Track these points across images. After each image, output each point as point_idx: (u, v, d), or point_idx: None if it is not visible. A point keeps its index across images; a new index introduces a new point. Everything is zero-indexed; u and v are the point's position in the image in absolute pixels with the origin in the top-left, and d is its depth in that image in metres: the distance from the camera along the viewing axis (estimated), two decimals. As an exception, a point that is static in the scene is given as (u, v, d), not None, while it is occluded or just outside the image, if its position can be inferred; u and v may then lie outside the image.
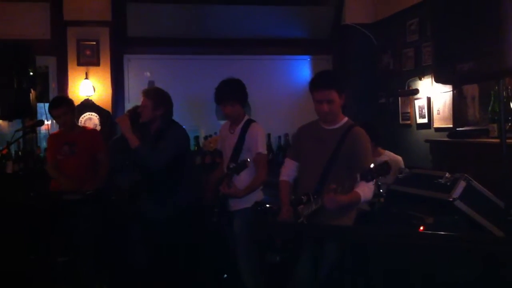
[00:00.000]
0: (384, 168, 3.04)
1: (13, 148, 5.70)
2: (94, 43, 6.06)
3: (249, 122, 4.15)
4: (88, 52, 6.03)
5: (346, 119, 3.59)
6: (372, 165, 3.09)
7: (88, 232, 4.63)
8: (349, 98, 6.51)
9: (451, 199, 3.31)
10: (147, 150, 4.09)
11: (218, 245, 4.59)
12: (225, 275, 4.66)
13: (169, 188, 4.16)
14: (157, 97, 4.22)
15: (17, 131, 4.92)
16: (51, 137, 5.01)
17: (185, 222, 4.21)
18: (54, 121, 5.34)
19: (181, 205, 4.17)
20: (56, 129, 5.55)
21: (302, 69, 6.89)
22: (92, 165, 4.84)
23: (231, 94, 4.07)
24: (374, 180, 3.22)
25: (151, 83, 6.31)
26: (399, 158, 4.69)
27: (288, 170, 3.75)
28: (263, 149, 4.07)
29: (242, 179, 4.00)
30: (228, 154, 4.16)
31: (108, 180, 4.86)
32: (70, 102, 4.90)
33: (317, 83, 3.47)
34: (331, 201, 3.19)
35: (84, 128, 5.10)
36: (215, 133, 4.90)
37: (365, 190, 3.29)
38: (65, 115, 4.77)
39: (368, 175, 3.06)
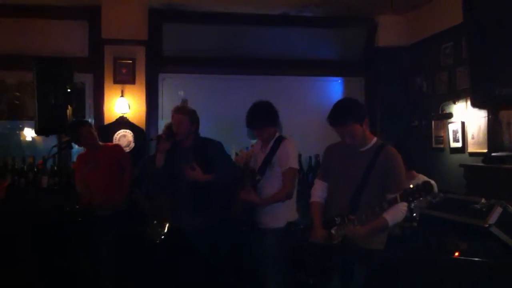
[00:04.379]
0: (426, 187, 2.94)
1: (48, 163, 5.79)
2: (130, 61, 6.18)
3: (280, 139, 4.18)
4: (124, 70, 6.14)
5: (375, 139, 3.51)
6: (411, 185, 3.01)
7: (115, 247, 4.76)
8: (382, 121, 6.60)
9: (486, 225, 3.26)
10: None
11: (245, 265, 4.58)
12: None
13: (211, 201, 4.18)
14: (191, 113, 4.31)
15: (54, 146, 5.04)
16: (79, 157, 5.11)
17: (223, 234, 4.24)
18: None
19: (220, 217, 4.19)
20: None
21: (334, 90, 6.88)
22: (118, 178, 4.92)
23: (257, 121, 4.15)
24: (408, 202, 3.12)
25: (184, 101, 6.38)
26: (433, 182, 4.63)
27: (319, 191, 3.70)
28: (294, 164, 4.11)
29: (270, 191, 4.06)
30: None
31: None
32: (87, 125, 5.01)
33: (332, 120, 3.42)
34: (353, 233, 3.19)
35: (106, 145, 5.18)
36: (246, 148, 4.96)
37: (393, 213, 3.21)
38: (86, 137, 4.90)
39: (408, 196, 2.99)
